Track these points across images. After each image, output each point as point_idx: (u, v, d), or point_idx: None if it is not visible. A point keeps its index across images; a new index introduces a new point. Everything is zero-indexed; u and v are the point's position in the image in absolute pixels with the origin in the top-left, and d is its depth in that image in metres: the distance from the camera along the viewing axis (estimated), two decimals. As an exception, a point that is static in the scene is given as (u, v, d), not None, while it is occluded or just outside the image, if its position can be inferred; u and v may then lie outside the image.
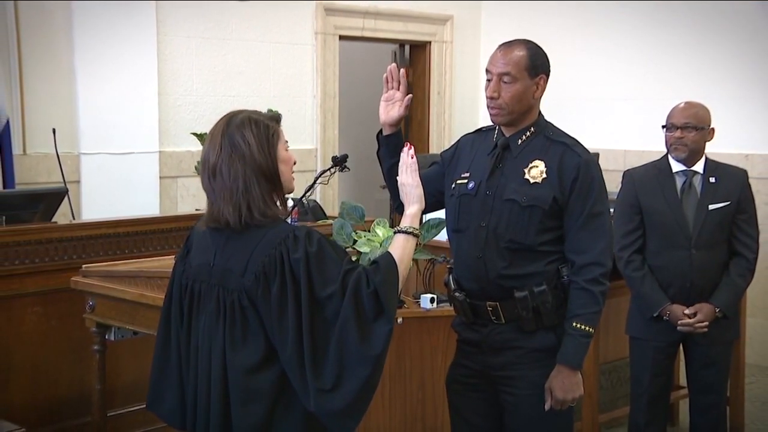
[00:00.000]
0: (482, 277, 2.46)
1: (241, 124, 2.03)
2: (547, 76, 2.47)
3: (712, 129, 3.30)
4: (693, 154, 3.26)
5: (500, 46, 2.47)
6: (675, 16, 5.74)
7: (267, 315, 1.97)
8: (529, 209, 2.40)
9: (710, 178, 3.27)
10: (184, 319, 2.12)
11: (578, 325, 2.38)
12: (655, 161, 3.40)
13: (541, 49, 2.48)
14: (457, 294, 2.52)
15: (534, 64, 2.42)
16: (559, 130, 2.52)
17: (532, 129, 2.47)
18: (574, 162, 2.40)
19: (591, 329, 2.39)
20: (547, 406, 2.41)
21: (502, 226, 2.42)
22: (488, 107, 2.46)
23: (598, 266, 2.39)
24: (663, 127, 3.32)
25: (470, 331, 2.54)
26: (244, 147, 2.00)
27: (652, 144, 5.02)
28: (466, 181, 2.50)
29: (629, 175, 3.41)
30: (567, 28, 6.27)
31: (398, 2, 6.27)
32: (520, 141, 2.46)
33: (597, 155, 4.97)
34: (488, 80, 2.44)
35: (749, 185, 3.34)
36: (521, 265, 2.42)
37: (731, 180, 3.30)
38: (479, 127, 2.66)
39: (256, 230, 2.00)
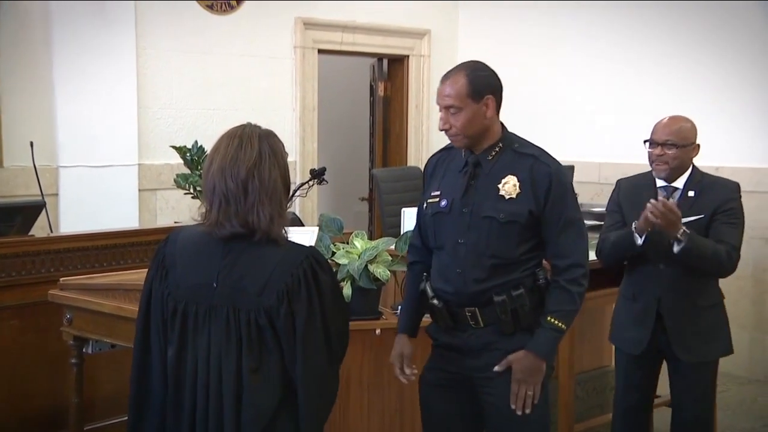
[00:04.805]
0: (461, 289, 2.51)
1: (269, 133, 2.06)
2: (496, 93, 2.48)
3: (697, 145, 3.19)
4: (674, 171, 3.16)
5: (442, 78, 2.50)
6: (651, 30, 5.79)
7: (287, 333, 1.97)
8: (508, 225, 2.45)
9: (689, 192, 3.17)
10: (175, 341, 2.04)
11: (552, 320, 2.46)
12: (644, 173, 3.32)
13: (484, 69, 2.50)
14: (435, 302, 2.56)
15: (476, 88, 2.44)
16: (525, 140, 2.56)
17: (500, 145, 2.52)
18: (544, 172, 2.47)
19: (564, 326, 2.47)
20: (497, 368, 2.45)
21: (482, 242, 2.47)
22: (447, 136, 2.52)
23: (580, 267, 2.48)
24: (645, 141, 3.22)
25: (449, 336, 2.58)
26: (280, 155, 2.03)
27: (627, 157, 5.07)
28: (437, 199, 2.55)
29: (618, 184, 3.38)
30: (543, 41, 6.33)
31: (376, 17, 6.31)
32: (489, 157, 2.51)
33: (572, 167, 5.01)
34: (440, 113, 2.50)
35: (737, 197, 3.19)
36: (501, 275, 2.48)
37: (713, 193, 3.17)
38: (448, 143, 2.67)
39: (267, 248, 1.99)
